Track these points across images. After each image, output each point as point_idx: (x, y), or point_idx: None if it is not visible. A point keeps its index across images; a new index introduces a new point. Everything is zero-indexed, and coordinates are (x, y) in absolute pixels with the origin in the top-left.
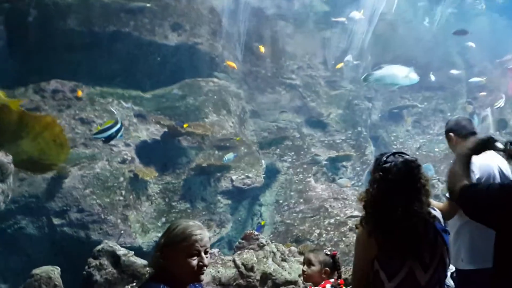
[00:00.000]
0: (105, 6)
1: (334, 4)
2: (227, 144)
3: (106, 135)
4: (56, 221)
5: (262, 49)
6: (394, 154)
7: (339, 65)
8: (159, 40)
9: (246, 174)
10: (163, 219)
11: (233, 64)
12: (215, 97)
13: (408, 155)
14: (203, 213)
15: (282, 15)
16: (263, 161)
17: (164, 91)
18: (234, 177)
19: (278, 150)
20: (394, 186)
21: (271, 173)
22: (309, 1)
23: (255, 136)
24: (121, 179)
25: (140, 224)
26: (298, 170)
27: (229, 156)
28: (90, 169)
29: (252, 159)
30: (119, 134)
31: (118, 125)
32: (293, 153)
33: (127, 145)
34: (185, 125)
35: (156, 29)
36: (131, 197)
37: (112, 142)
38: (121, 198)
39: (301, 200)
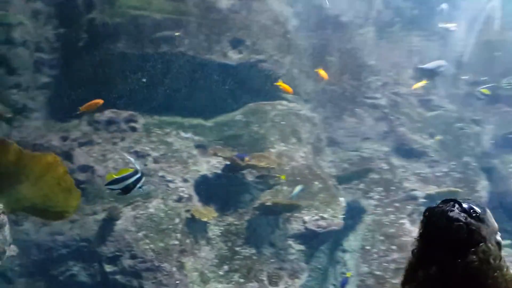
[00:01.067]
0: (157, 24)
1: (425, 7)
2: (297, 178)
3: (121, 186)
4: (108, 268)
5: (323, 74)
6: (449, 202)
7: (419, 85)
8: (217, 59)
9: (321, 215)
10: (226, 267)
11: (288, 88)
12: (282, 123)
13: (471, 204)
14: (272, 260)
15: (361, 22)
16: (342, 199)
17: (226, 118)
18: (306, 218)
19: (362, 184)
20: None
21: (355, 213)
22: (395, 4)
23: (334, 168)
24: (177, 220)
25: (199, 273)
26: (388, 209)
27: (297, 190)
28: (143, 209)
29: (328, 196)
30: (138, 185)
31: (138, 175)
32: (381, 188)
33: (185, 180)
34: (246, 159)
35: (213, 46)
36: (187, 241)
37: (169, 178)
38: (176, 242)
39: (393, 247)
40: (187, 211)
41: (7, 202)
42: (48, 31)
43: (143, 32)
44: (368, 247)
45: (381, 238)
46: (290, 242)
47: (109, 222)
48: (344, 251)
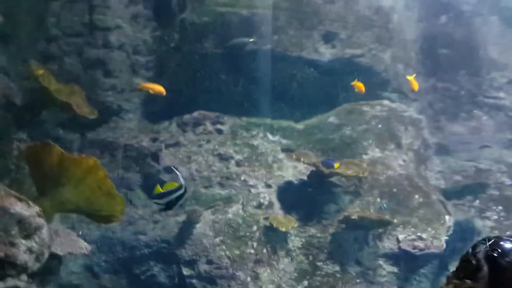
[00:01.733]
0: (244, 21)
1: None
2: (394, 190)
3: (165, 201)
4: (185, 271)
5: (414, 84)
6: None
7: None
8: (307, 55)
9: (419, 234)
10: (305, 282)
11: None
12: (379, 126)
13: None
14: (357, 280)
15: (482, 10)
16: (448, 217)
17: (318, 120)
18: (401, 237)
19: (477, 201)
20: None
21: (466, 234)
22: None
23: (442, 180)
24: (254, 228)
25: (276, 286)
26: (508, 233)
27: (385, 202)
28: (223, 214)
29: (430, 213)
30: (180, 202)
31: (181, 191)
32: (500, 207)
33: (268, 186)
34: (336, 165)
35: (303, 41)
36: (264, 250)
37: (251, 182)
38: (252, 251)
39: None
40: (266, 218)
41: (51, 205)
42: (146, 33)
43: (230, 30)
44: None
45: None
46: (381, 262)
47: (188, 225)
48: None
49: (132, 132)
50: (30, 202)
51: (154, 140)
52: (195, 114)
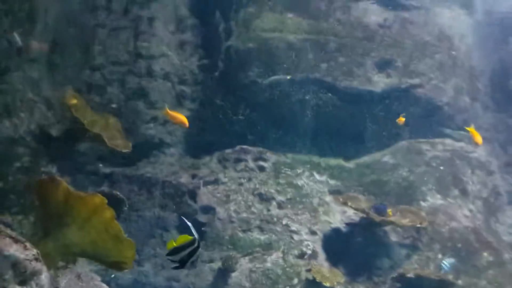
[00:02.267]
0: (290, 46)
1: None
2: (458, 245)
3: (177, 258)
4: None
5: (477, 137)
6: None
7: None
8: (359, 85)
9: None
10: None
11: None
12: (441, 168)
13: None
14: None
15: None
16: None
17: (371, 159)
18: None
19: None
20: None
21: None
22: None
23: None
24: (295, 281)
25: None
26: None
27: (449, 261)
28: (261, 262)
29: (501, 275)
30: (192, 259)
31: (194, 245)
32: None
33: (312, 232)
34: (388, 211)
35: (354, 70)
36: None
37: (294, 228)
38: None
39: None
40: (308, 270)
41: (55, 247)
42: (193, 62)
43: (275, 57)
44: None
45: None
46: None
47: (224, 272)
48: None
49: (172, 167)
50: (27, 244)
51: (194, 176)
52: (237, 148)
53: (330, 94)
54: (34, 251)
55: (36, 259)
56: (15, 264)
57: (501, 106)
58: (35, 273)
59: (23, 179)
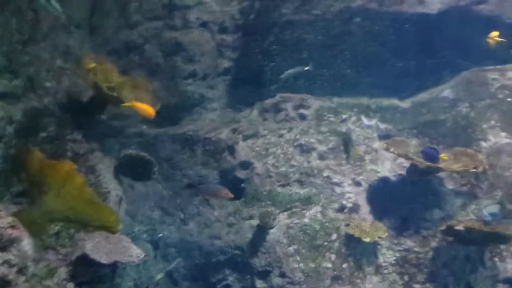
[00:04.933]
0: None
1: None
2: None
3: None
4: (259, 283)
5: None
6: None
7: None
8: (409, 9)
9: None
10: None
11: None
12: (509, 99)
13: None
14: None
15: None
16: None
17: (429, 96)
18: None
19: None
20: None
21: None
22: None
23: None
24: (334, 236)
25: None
26: None
27: (491, 209)
28: (299, 218)
29: None
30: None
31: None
32: None
33: (357, 183)
34: (442, 156)
35: None
36: (345, 265)
37: (336, 179)
38: (330, 265)
39: None
40: (347, 225)
41: (40, 214)
42: (234, 6)
43: None
44: None
45: None
46: None
47: (262, 229)
48: None
49: (214, 123)
50: (1, 213)
51: (234, 131)
52: (277, 97)
53: (376, 24)
54: (9, 219)
55: (13, 227)
56: None
57: None
58: (14, 240)
59: (48, 149)
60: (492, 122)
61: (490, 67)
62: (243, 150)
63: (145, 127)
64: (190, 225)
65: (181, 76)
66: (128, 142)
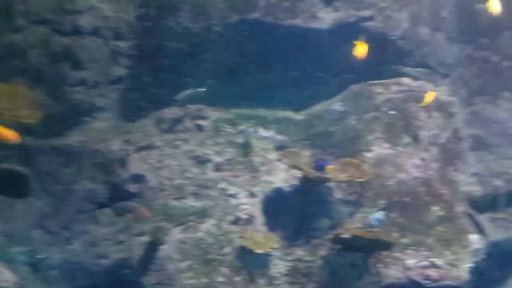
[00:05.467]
0: None
1: None
2: (406, 199)
3: None
4: None
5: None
6: None
7: None
8: (303, 23)
9: (432, 260)
10: None
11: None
12: (391, 112)
13: None
14: None
15: None
16: (474, 237)
17: (321, 108)
18: (410, 262)
19: None
20: None
21: (508, 259)
22: None
23: (477, 185)
24: (227, 249)
25: None
26: None
27: (376, 216)
28: (193, 232)
29: (451, 232)
30: None
31: None
32: None
33: (252, 195)
34: (328, 167)
35: (298, 6)
36: (238, 278)
37: (231, 191)
38: (222, 279)
39: None
40: (242, 237)
41: None
42: (130, 12)
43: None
44: None
45: None
46: None
47: (154, 246)
48: None
49: (104, 134)
50: None
51: (126, 142)
52: (174, 108)
53: (271, 37)
54: None
55: None
56: None
57: (469, 36)
58: None
59: None
60: (376, 134)
61: (375, 82)
62: (136, 162)
63: (26, 138)
64: (75, 244)
65: (69, 83)
66: (8, 155)
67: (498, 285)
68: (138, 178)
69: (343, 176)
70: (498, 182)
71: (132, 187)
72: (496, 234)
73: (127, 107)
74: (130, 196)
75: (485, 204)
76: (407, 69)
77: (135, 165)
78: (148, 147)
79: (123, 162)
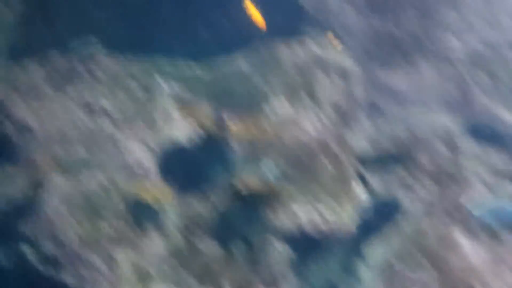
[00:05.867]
0: None
1: None
2: (300, 155)
3: None
4: (28, 252)
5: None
6: None
7: None
8: None
9: (321, 211)
10: (178, 266)
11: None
12: (293, 72)
13: None
14: (243, 262)
15: None
16: (360, 191)
17: (226, 65)
18: (301, 214)
19: (407, 175)
20: None
21: (387, 212)
22: None
23: (369, 147)
24: (119, 202)
25: (135, 269)
26: (438, 214)
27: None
28: (79, 184)
29: (339, 186)
30: None
31: None
32: (432, 182)
33: (150, 149)
34: (229, 123)
35: None
36: (128, 229)
37: (127, 145)
38: (112, 230)
39: (432, 269)
40: (136, 192)
41: None
42: None
43: None
44: (396, 265)
45: (419, 255)
46: (274, 240)
47: (37, 196)
48: (366, 264)
49: None
50: None
51: (13, 89)
52: (67, 53)
53: None
54: None
55: None
56: None
57: (381, 14)
58: None
59: None
60: (278, 92)
61: (281, 43)
62: (22, 111)
63: None
64: None
65: None
66: None
67: (376, 234)
68: (24, 129)
69: (242, 132)
70: (387, 144)
71: (16, 137)
72: (379, 190)
73: (15, 52)
74: (13, 147)
75: (375, 164)
76: (312, 35)
77: (22, 114)
78: (37, 96)
79: (8, 111)
